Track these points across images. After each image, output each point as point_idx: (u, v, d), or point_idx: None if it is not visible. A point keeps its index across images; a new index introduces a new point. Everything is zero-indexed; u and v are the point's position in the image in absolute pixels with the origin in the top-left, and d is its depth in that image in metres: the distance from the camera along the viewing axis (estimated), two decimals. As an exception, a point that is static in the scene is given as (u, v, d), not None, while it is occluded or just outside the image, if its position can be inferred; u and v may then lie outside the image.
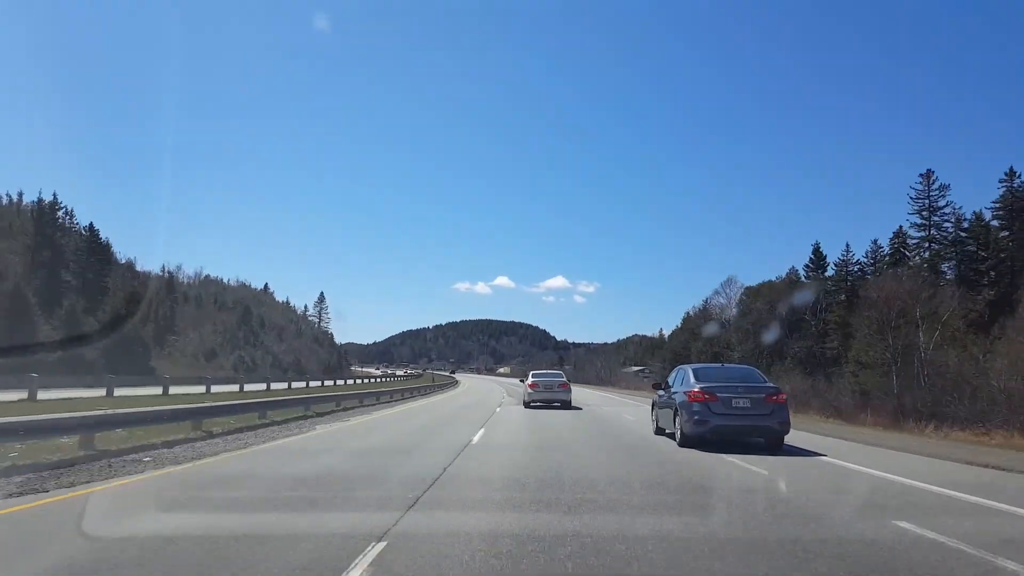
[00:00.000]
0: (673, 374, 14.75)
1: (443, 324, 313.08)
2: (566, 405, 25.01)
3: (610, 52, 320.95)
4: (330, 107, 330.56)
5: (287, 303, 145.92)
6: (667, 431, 14.06)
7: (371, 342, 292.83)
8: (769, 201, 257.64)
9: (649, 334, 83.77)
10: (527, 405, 25.01)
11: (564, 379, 26.61)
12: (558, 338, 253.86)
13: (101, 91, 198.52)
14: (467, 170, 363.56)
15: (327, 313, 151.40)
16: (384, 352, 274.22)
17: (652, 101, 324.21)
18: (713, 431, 11.97)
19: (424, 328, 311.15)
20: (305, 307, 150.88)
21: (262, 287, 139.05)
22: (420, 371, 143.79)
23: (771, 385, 12.92)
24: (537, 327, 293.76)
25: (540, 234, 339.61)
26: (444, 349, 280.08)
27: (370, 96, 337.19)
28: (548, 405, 24.86)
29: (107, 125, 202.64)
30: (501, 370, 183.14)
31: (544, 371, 29.04)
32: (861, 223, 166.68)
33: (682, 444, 12.26)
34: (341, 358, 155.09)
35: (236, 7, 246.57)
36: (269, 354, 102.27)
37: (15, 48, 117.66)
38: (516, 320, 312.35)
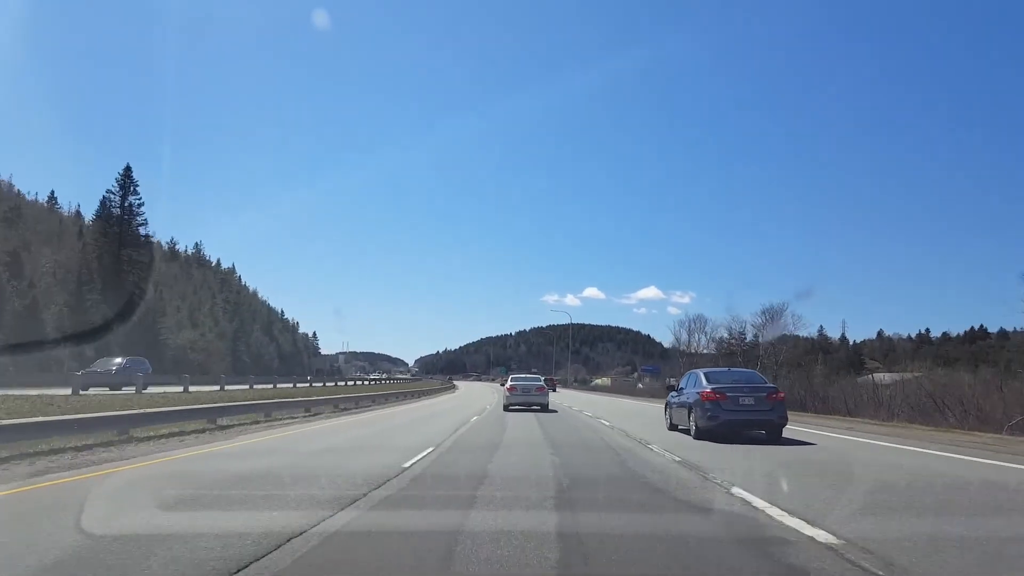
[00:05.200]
0: (685, 378, 16.77)
1: (527, 330, 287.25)
2: (544, 408, 26.42)
3: (698, 62, 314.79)
4: (426, 103, 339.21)
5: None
6: (680, 427, 16.05)
7: (441, 350, 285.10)
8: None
9: (805, 335, 65.48)
10: (506, 408, 26.58)
11: (541, 383, 28.40)
12: (665, 344, 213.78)
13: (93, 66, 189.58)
14: (555, 178, 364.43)
15: (206, 254, 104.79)
16: (454, 361, 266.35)
17: (749, 114, 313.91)
18: (723, 425, 13.87)
19: (505, 335, 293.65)
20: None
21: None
22: (417, 377, 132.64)
23: (771, 385, 14.88)
24: (639, 332, 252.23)
25: (630, 245, 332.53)
26: (526, 358, 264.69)
27: (455, 94, 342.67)
28: (528, 408, 26.28)
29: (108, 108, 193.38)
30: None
31: (522, 375, 31.33)
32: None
33: (696, 437, 14.22)
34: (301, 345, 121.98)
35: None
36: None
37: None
38: (612, 324, 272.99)
